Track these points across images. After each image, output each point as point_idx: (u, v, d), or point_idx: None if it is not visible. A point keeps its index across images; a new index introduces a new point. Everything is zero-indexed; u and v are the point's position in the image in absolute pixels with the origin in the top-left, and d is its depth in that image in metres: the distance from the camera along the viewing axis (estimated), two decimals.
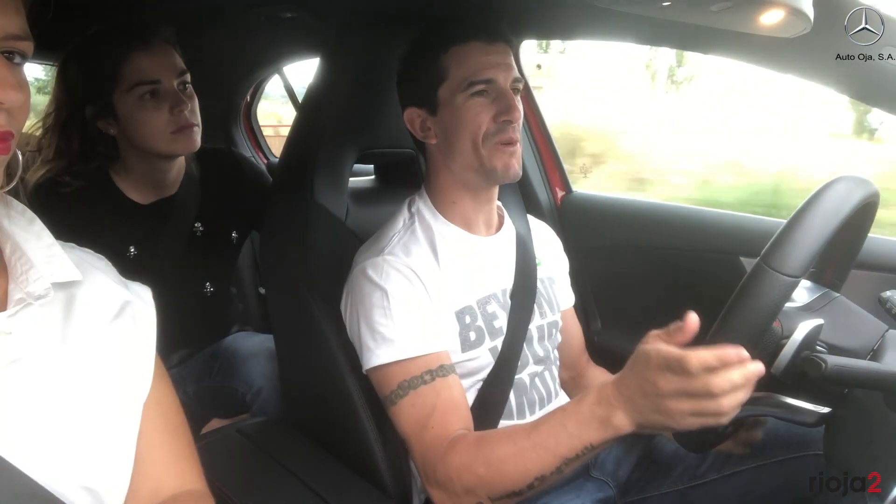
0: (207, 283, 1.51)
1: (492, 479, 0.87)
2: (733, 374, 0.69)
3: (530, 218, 1.28)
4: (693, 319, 0.74)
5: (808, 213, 0.72)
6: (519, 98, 1.07)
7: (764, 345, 0.76)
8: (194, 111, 1.34)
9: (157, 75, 1.28)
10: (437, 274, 1.04)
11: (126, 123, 1.30)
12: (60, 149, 1.33)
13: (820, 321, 0.77)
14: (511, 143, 1.04)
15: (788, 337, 0.77)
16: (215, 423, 1.50)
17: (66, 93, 1.32)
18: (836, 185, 0.75)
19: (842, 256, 0.95)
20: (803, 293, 0.88)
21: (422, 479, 0.95)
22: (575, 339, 1.31)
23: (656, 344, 0.75)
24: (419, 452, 0.94)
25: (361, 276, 1.02)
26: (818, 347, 0.77)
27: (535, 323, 1.14)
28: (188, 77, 1.34)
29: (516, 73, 1.06)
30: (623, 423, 0.78)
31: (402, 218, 1.11)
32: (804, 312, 0.81)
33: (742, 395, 0.70)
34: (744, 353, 0.69)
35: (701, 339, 0.74)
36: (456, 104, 1.04)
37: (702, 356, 0.69)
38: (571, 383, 1.30)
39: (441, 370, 0.97)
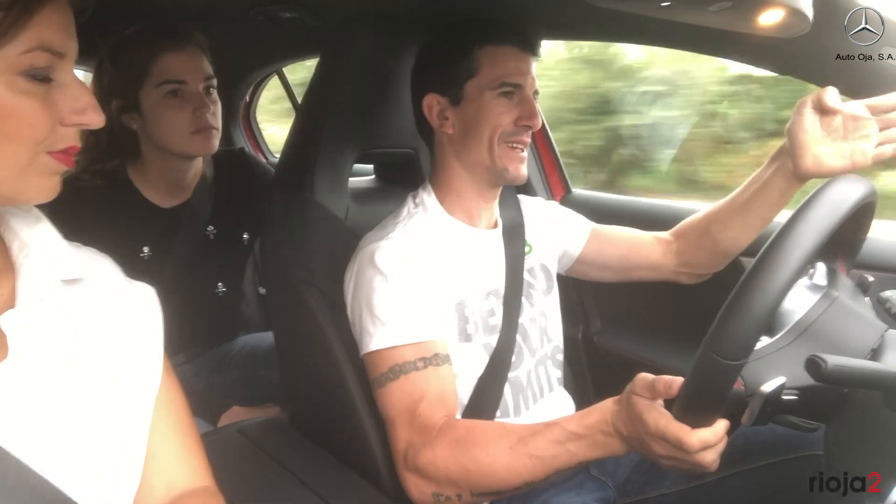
0: (220, 284, 1.54)
1: (479, 476, 0.87)
2: (719, 445, 0.77)
3: (524, 197, 1.29)
4: (680, 383, 0.77)
5: (747, 292, 0.68)
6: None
7: (728, 407, 0.77)
8: (216, 115, 1.37)
9: (184, 76, 1.32)
10: (439, 264, 1.05)
11: (149, 119, 1.33)
12: (88, 143, 1.36)
13: (782, 379, 0.76)
14: (523, 147, 1.08)
15: (752, 395, 0.77)
16: (236, 411, 1.52)
17: (99, 89, 1.35)
18: (783, 247, 0.68)
19: (849, 245, 0.94)
20: (803, 294, 0.88)
21: (398, 464, 0.94)
22: (636, 236, 1.26)
23: (645, 398, 0.79)
24: (403, 438, 0.94)
25: (365, 261, 1.03)
26: (784, 397, 0.77)
27: (527, 315, 1.14)
28: (214, 82, 1.38)
29: (537, 85, 1.10)
30: (620, 449, 0.84)
31: (406, 208, 1.12)
32: (772, 358, 0.80)
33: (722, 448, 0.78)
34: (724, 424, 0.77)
35: (699, 342, 0.74)
36: (483, 100, 1.06)
37: (703, 438, 0.75)
38: (683, 251, 1.20)
39: (435, 359, 0.97)
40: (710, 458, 0.76)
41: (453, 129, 1.09)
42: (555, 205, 1.33)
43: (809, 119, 0.93)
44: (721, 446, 0.77)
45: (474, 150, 1.08)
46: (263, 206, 1.52)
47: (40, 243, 0.61)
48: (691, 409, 0.75)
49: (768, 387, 0.76)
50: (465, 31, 1.08)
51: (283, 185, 1.25)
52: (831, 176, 0.90)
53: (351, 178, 1.26)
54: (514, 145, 1.07)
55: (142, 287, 0.71)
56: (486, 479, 0.87)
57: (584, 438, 0.84)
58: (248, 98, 2.46)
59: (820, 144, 0.92)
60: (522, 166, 1.08)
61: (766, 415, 0.77)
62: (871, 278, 0.92)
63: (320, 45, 1.33)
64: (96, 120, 0.58)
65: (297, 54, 2.05)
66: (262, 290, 2.04)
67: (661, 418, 0.77)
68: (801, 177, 0.98)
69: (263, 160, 2.50)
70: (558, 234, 1.27)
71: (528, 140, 1.09)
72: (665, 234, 1.25)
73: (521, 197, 1.28)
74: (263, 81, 2.45)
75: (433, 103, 1.10)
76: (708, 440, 0.75)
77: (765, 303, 0.67)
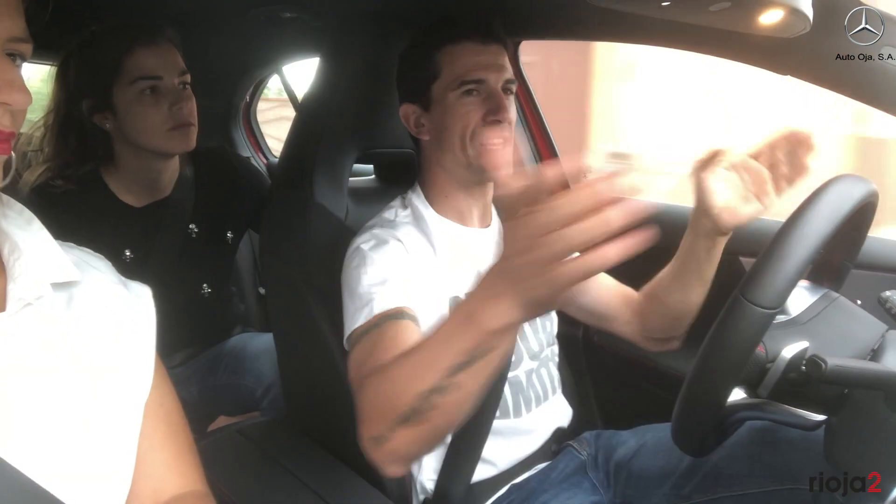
0: (205, 285, 1.51)
1: (384, 403, 0.72)
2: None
3: None
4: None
5: (785, 240, 0.69)
6: (512, 99, 1.08)
7: (748, 371, 0.75)
8: (192, 111, 1.34)
9: (159, 72, 1.29)
10: (433, 258, 1.05)
11: (124, 118, 1.30)
12: (59, 148, 1.34)
13: (805, 343, 0.76)
14: (500, 141, 1.05)
15: (773, 360, 0.76)
16: (223, 421, 1.51)
17: (65, 90, 1.32)
18: (818, 205, 0.71)
19: (841, 257, 0.95)
20: (803, 294, 0.88)
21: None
22: (610, 287, 1.21)
23: None
24: (357, 399, 0.79)
25: (352, 252, 1.03)
26: (803, 368, 0.76)
27: None
28: (188, 78, 1.35)
29: (509, 74, 1.07)
30: (481, 310, 0.62)
31: (394, 210, 1.12)
32: (791, 330, 0.80)
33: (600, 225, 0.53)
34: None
35: (700, 341, 0.74)
36: (448, 102, 1.05)
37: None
38: (641, 319, 1.17)
39: (396, 314, 0.90)
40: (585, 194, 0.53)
41: (429, 135, 1.10)
42: None
43: (710, 181, 0.93)
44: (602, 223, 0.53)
45: (448, 152, 1.07)
46: (248, 205, 1.51)
47: (32, 246, 0.60)
48: (715, 358, 0.71)
49: (790, 351, 0.75)
50: (424, 36, 1.08)
51: (283, 185, 1.25)
52: (747, 221, 0.91)
53: (351, 178, 1.26)
54: (489, 142, 1.04)
55: (138, 287, 0.71)
56: (389, 403, 0.71)
57: (449, 317, 0.67)
58: (248, 98, 2.46)
59: (728, 199, 0.92)
60: (501, 163, 1.06)
61: (783, 387, 0.76)
62: (859, 302, 0.93)
63: (320, 45, 1.34)
64: (17, 100, 0.53)
65: (297, 54, 2.05)
66: (262, 290, 2.04)
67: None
68: (722, 232, 0.96)
69: (264, 161, 2.51)
70: None
71: (506, 134, 1.06)
72: (636, 294, 1.19)
73: None
74: (263, 81, 2.45)
75: (409, 112, 1.11)
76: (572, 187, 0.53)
77: (802, 249, 0.68)
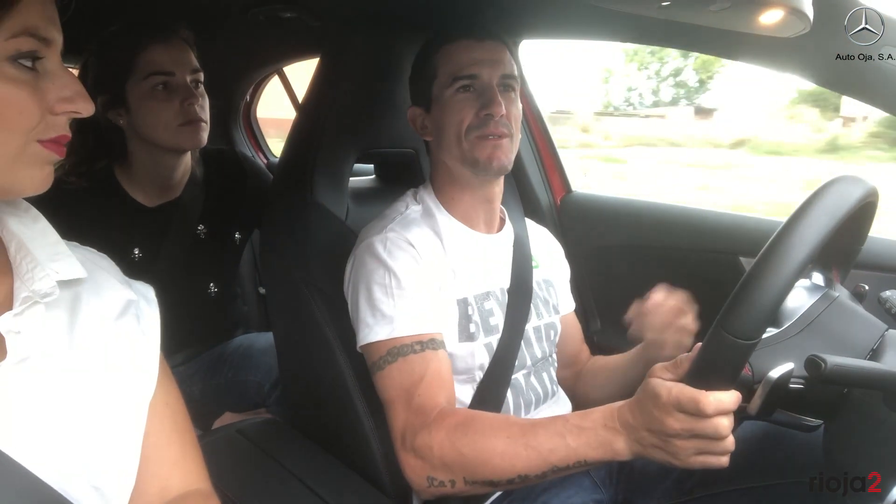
0: (211, 284, 1.53)
1: (474, 464, 0.86)
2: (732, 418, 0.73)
3: (532, 223, 1.29)
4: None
5: (762, 270, 0.69)
6: (512, 96, 1.08)
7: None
8: (204, 108, 1.36)
9: (171, 68, 1.30)
10: (443, 258, 1.06)
11: (136, 113, 1.31)
12: (73, 145, 1.34)
13: (790, 365, 0.76)
14: (494, 136, 1.05)
15: (759, 381, 0.76)
16: (229, 418, 1.51)
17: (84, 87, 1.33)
18: (794, 233, 0.70)
19: (844, 255, 0.94)
20: (803, 294, 0.88)
21: (396, 444, 0.94)
22: (574, 339, 1.32)
23: (664, 379, 0.77)
24: (401, 418, 0.94)
25: (366, 252, 1.03)
26: (791, 386, 0.77)
27: (532, 324, 1.14)
28: (201, 76, 1.37)
29: (506, 70, 1.08)
30: (623, 450, 0.80)
31: (405, 203, 1.13)
32: (779, 346, 0.80)
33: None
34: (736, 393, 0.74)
35: (698, 341, 0.74)
36: (444, 100, 1.07)
37: (719, 398, 0.72)
38: (573, 379, 1.30)
39: (432, 343, 0.98)
40: (727, 424, 0.73)
41: (431, 135, 1.12)
42: (565, 261, 1.34)
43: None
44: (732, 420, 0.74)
45: (446, 149, 1.09)
46: (256, 206, 1.52)
47: (38, 244, 0.61)
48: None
49: (776, 372, 0.75)
50: (428, 41, 1.11)
51: (284, 185, 1.25)
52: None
53: (351, 178, 1.26)
54: (485, 136, 1.05)
55: (141, 287, 0.71)
56: (481, 468, 0.86)
57: (585, 432, 0.81)
58: (248, 98, 2.46)
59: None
60: (497, 152, 1.05)
61: (772, 404, 0.77)
62: (866, 287, 0.92)
63: (320, 45, 1.34)
64: (86, 108, 0.58)
65: (297, 54, 2.05)
66: (262, 290, 2.04)
67: (674, 387, 0.74)
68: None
69: (264, 160, 2.51)
70: (561, 274, 1.30)
71: (502, 130, 1.05)
72: (584, 357, 1.33)
73: (533, 225, 1.30)
74: (264, 81, 2.45)
75: (415, 115, 1.14)
76: (723, 401, 0.72)
77: (780, 280, 0.68)
